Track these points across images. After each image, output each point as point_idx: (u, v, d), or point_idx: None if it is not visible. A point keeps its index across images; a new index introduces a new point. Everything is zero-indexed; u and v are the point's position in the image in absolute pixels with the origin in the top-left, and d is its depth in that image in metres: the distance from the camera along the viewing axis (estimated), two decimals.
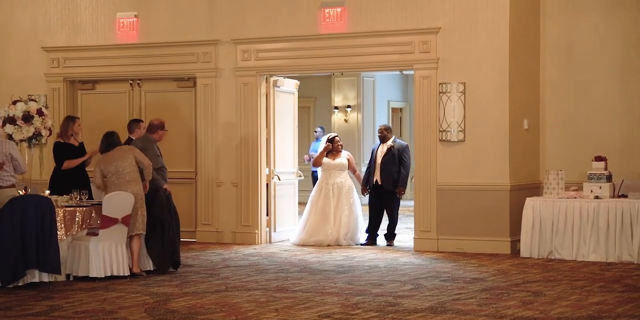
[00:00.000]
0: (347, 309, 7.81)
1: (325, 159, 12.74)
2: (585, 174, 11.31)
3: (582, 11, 12.01)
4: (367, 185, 12.57)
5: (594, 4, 11.98)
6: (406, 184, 12.55)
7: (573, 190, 11.25)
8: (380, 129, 12.78)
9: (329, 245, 12.29)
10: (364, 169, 13.47)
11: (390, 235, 12.52)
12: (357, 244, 12.46)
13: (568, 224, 10.95)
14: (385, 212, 12.59)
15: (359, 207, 12.72)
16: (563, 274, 9.81)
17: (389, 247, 12.24)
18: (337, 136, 13.04)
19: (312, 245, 12.29)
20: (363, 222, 12.76)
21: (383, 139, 12.56)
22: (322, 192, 12.59)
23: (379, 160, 12.41)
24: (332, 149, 12.74)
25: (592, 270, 10.15)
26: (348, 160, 12.79)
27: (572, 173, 11.63)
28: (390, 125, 20.81)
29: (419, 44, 11.85)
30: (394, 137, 12.71)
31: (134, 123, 10.98)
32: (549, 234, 11.05)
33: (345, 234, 12.45)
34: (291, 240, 12.75)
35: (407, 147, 12.61)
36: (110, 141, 9.81)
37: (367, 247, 12.31)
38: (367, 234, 12.60)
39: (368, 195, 12.62)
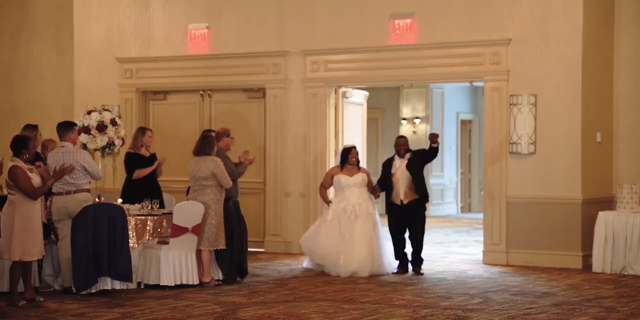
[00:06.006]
0: None
1: (339, 176, 10.86)
2: None
3: None
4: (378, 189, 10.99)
5: None
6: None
7: None
8: (406, 140, 11.10)
9: (351, 276, 10.49)
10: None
11: (418, 261, 10.87)
12: (393, 272, 10.82)
13: None
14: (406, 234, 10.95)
15: (382, 232, 10.94)
16: (637, 290, 9.61)
17: (418, 276, 10.66)
18: (354, 148, 11.04)
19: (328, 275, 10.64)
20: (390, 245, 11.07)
21: (405, 153, 10.92)
22: (336, 217, 10.75)
23: (403, 175, 10.77)
24: (347, 162, 10.91)
25: None
26: (367, 176, 10.96)
27: None
28: (460, 137, 20.38)
29: (489, 56, 11.75)
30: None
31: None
32: (622, 249, 10.84)
33: (379, 265, 10.68)
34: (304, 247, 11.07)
35: None
36: (199, 146, 9.89)
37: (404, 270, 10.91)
38: (397, 261, 10.96)
39: (388, 217, 10.96)
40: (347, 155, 10.92)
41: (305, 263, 11.19)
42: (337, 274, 10.51)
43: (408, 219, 10.82)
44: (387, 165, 11.00)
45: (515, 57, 11.62)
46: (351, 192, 10.82)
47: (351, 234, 10.65)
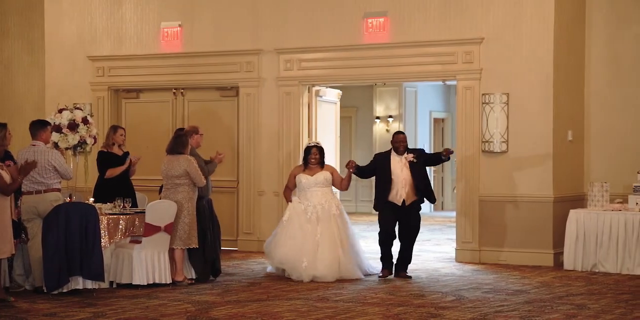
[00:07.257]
0: None
1: (300, 176, 10.41)
2: (630, 186, 11.20)
3: (627, 22, 11.90)
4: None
5: None
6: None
7: (618, 203, 11.13)
8: (405, 137, 10.57)
9: (312, 281, 9.98)
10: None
11: (406, 262, 10.43)
12: (371, 274, 10.44)
13: (613, 237, 10.82)
14: (397, 237, 10.43)
15: (353, 233, 10.56)
16: (607, 288, 9.69)
17: (408, 279, 10.24)
18: (314, 147, 10.51)
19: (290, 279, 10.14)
20: (362, 247, 10.81)
21: (404, 150, 10.40)
22: (295, 218, 10.28)
23: (404, 175, 10.25)
24: (307, 163, 10.45)
25: (638, 283, 10.01)
26: (332, 174, 10.50)
27: (617, 185, 11.52)
28: (433, 136, 20.34)
29: (462, 54, 11.80)
30: None
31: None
32: (593, 247, 10.92)
33: (347, 268, 10.15)
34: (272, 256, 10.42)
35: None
36: (172, 145, 9.86)
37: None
38: (381, 263, 10.42)
39: (381, 215, 10.35)
40: (307, 157, 10.45)
41: (269, 268, 10.68)
42: (298, 278, 10.00)
43: (404, 220, 10.33)
44: (383, 160, 10.35)
45: (488, 56, 11.68)
46: (313, 192, 10.32)
47: (313, 237, 10.13)
